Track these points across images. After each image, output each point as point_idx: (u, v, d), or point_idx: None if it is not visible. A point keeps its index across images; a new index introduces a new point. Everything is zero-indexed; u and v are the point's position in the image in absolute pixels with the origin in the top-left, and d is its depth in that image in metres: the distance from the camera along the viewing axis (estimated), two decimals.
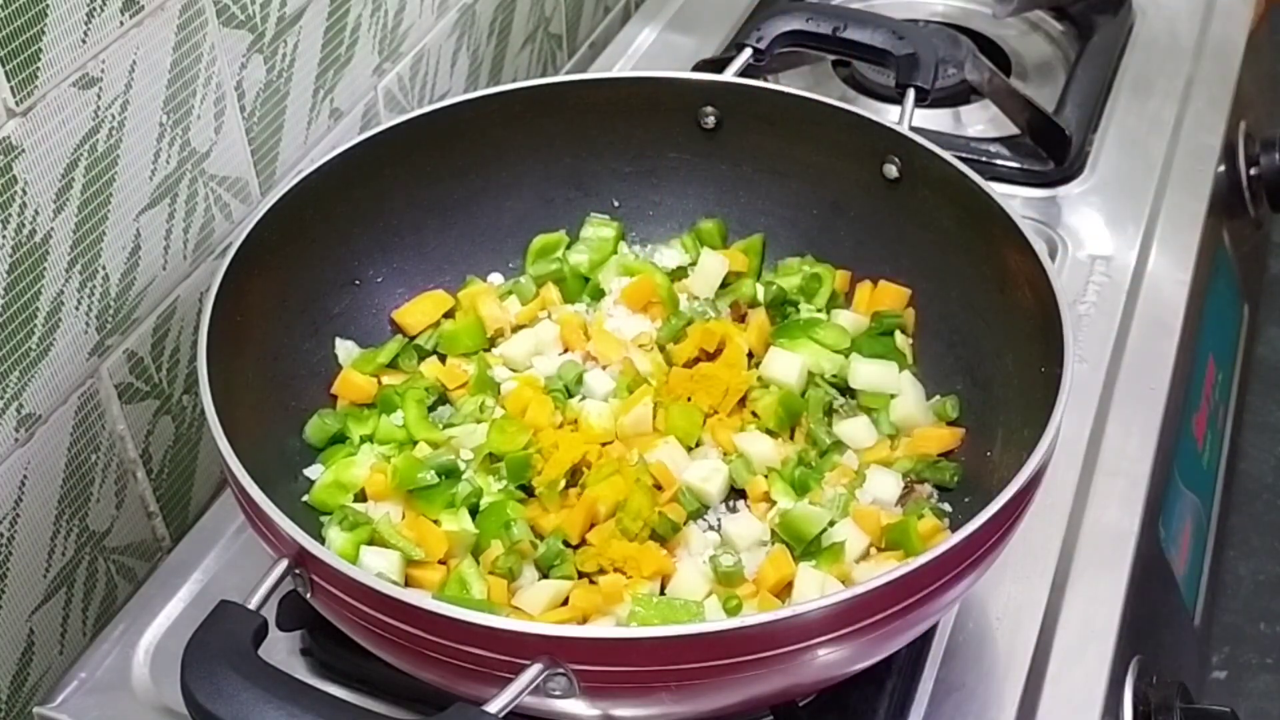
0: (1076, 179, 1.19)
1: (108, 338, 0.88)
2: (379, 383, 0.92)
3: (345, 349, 0.92)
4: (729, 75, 0.99)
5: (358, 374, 0.92)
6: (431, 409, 0.91)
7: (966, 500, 0.86)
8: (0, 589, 0.83)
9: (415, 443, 0.88)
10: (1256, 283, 1.54)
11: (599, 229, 1.00)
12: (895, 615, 0.66)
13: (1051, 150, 1.18)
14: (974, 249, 0.89)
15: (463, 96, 0.95)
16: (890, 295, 0.95)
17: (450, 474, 0.85)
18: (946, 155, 0.90)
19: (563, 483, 0.85)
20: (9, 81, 0.75)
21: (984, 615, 0.86)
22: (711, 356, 0.93)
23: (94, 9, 0.79)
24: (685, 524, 0.84)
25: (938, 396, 0.91)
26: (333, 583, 0.67)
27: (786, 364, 0.92)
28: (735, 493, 0.88)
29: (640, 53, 1.36)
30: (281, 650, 0.84)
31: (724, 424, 0.90)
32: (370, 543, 0.82)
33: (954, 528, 0.84)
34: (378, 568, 0.80)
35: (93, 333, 0.86)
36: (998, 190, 0.87)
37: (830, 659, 0.67)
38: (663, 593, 0.81)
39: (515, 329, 0.96)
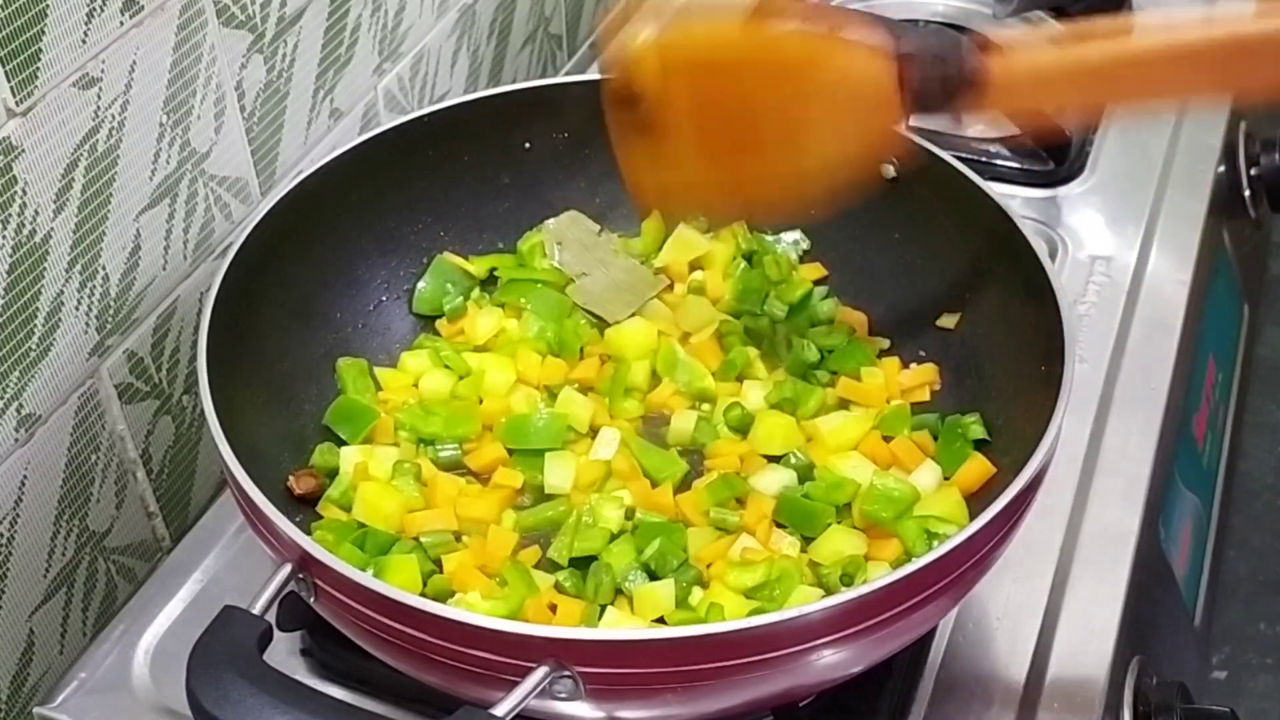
0: (1076, 179, 1.19)
1: (108, 338, 0.87)
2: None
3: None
4: None
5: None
6: None
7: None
8: (0, 589, 0.83)
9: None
10: (1256, 283, 1.54)
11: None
12: (897, 616, 0.67)
13: (1051, 150, 1.18)
14: (972, 249, 0.89)
15: (463, 97, 0.95)
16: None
17: None
18: (944, 155, 0.90)
19: None
20: (9, 81, 0.75)
21: (984, 615, 0.86)
22: None
23: (94, 9, 0.79)
24: None
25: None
26: (337, 587, 0.67)
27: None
28: None
29: None
30: (281, 651, 0.84)
31: None
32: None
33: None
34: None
35: (93, 333, 0.86)
36: (997, 190, 0.87)
37: (833, 660, 0.67)
38: None
39: None
